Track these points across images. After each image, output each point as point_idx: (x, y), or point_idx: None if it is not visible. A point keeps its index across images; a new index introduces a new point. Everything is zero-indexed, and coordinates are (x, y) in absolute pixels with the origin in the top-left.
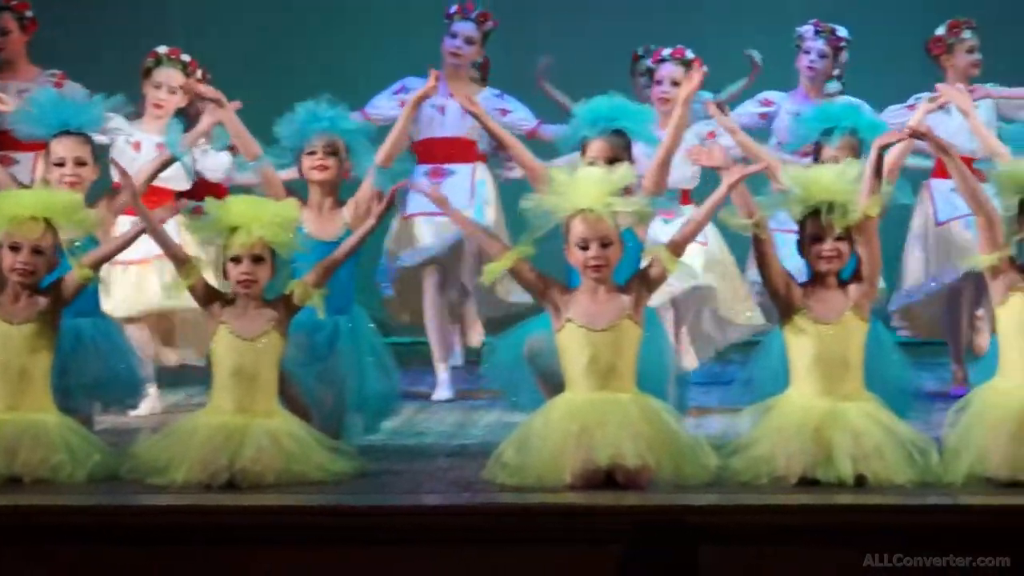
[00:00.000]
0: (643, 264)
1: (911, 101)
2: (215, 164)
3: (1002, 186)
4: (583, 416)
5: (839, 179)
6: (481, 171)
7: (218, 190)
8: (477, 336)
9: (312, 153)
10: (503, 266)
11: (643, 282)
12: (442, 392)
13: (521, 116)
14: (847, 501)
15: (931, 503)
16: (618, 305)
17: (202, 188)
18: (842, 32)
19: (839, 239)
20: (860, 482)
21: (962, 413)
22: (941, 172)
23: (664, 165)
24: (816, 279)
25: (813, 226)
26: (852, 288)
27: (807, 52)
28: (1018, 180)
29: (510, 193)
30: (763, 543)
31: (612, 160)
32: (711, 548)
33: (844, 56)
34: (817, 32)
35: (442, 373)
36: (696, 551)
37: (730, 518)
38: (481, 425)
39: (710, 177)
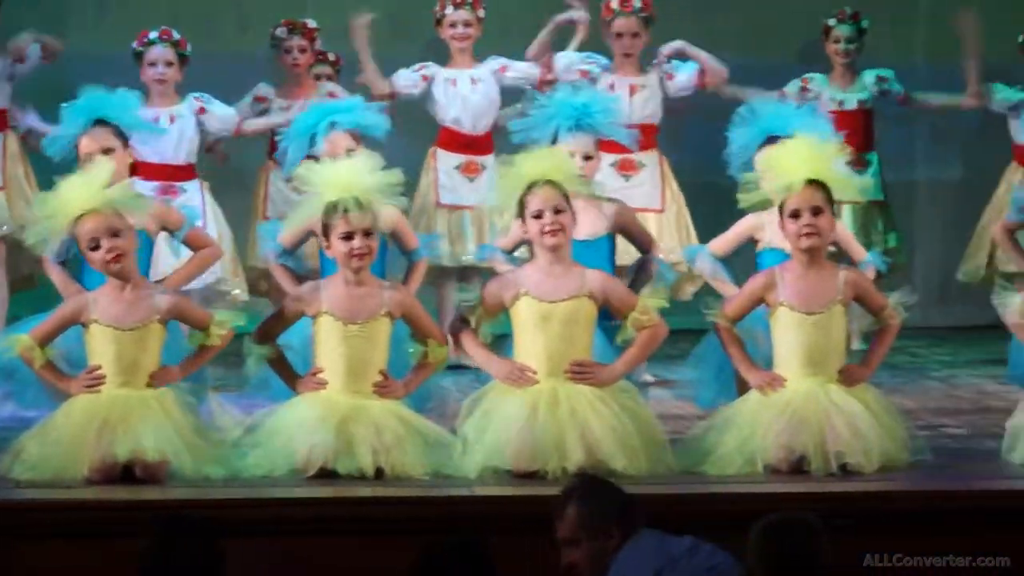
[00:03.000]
0: None
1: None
2: None
3: (503, 182)
4: (105, 411)
5: (356, 174)
6: None
7: None
8: None
9: None
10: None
11: (185, 313)
12: None
13: None
14: (366, 493)
15: (448, 494)
16: (147, 305)
17: None
18: (312, 24)
19: (367, 235)
20: (379, 475)
21: (475, 405)
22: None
23: None
24: (344, 279)
25: (339, 223)
26: (388, 292)
27: (288, 51)
28: (520, 176)
29: None
30: (285, 536)
31: (105, 150)
32: (232, 542)
33: (318, 43)
34: (291, 30)
35: None
36: (217, 545)
37: (250, 512)
38: None
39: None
